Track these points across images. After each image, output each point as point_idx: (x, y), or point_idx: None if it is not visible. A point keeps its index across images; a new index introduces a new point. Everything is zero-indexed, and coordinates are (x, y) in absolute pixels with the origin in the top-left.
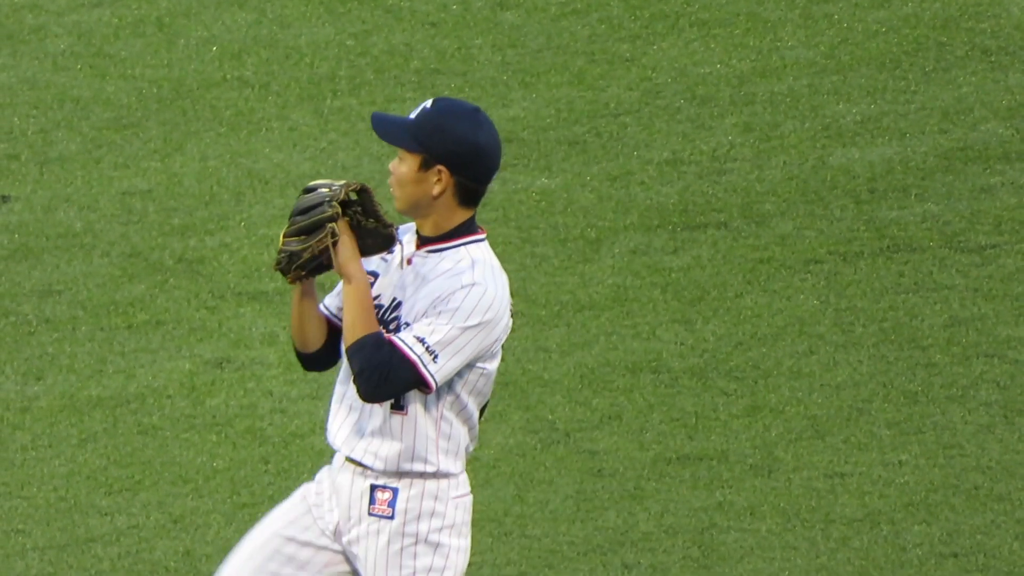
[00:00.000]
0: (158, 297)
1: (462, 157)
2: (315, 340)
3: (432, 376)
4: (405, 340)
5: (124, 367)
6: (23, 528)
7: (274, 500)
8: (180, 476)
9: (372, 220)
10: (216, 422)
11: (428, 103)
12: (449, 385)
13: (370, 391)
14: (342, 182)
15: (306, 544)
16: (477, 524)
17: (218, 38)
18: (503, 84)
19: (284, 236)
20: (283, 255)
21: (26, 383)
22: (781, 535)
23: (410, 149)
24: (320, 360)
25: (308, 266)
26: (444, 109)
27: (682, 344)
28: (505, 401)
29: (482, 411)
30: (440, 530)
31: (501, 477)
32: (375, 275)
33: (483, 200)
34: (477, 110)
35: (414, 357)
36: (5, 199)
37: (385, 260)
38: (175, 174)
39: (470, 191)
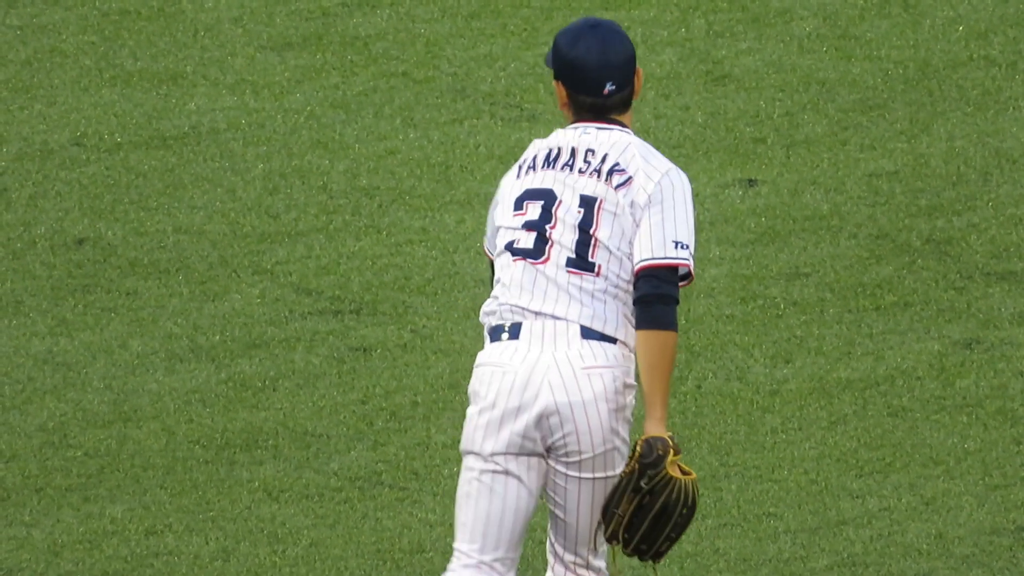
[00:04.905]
0: (906, 278)
1: (560, 70)
2: None
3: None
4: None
5: (872, 349)
6: (774, 511)
7: None
8: (931, 458)
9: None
10: (966, 403)
11: None
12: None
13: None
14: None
15: None
16: None
17: (964, 17)
18: None
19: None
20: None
21: (775, 366)
22: None
23: (548, 64)
24: None
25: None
26: (564, 28)
27: None
28: None
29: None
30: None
31: None
32: None
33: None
34: (594, 24)
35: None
36: (752, 183)
37: None
38: (921, 155)
39: (578, 102)
